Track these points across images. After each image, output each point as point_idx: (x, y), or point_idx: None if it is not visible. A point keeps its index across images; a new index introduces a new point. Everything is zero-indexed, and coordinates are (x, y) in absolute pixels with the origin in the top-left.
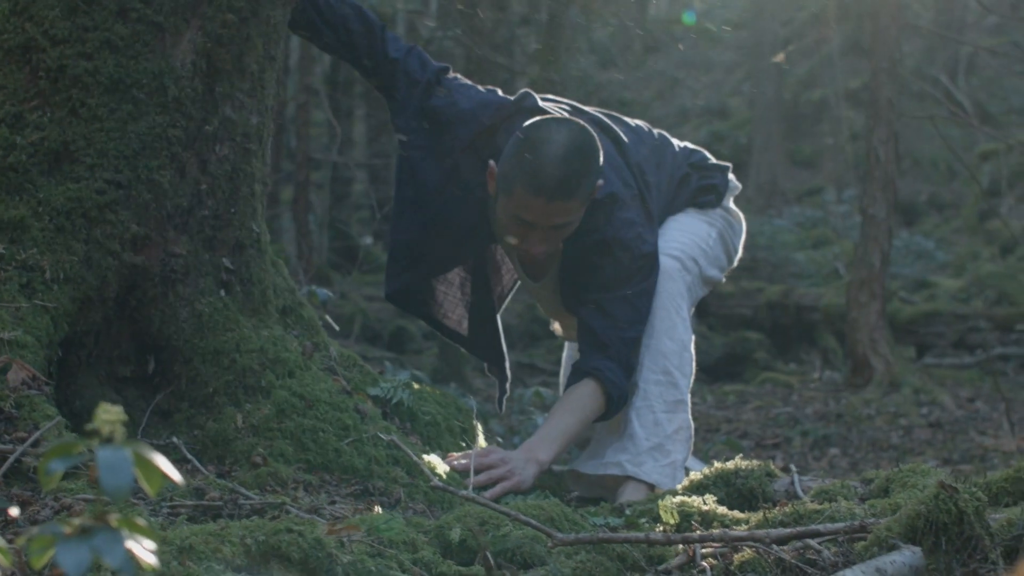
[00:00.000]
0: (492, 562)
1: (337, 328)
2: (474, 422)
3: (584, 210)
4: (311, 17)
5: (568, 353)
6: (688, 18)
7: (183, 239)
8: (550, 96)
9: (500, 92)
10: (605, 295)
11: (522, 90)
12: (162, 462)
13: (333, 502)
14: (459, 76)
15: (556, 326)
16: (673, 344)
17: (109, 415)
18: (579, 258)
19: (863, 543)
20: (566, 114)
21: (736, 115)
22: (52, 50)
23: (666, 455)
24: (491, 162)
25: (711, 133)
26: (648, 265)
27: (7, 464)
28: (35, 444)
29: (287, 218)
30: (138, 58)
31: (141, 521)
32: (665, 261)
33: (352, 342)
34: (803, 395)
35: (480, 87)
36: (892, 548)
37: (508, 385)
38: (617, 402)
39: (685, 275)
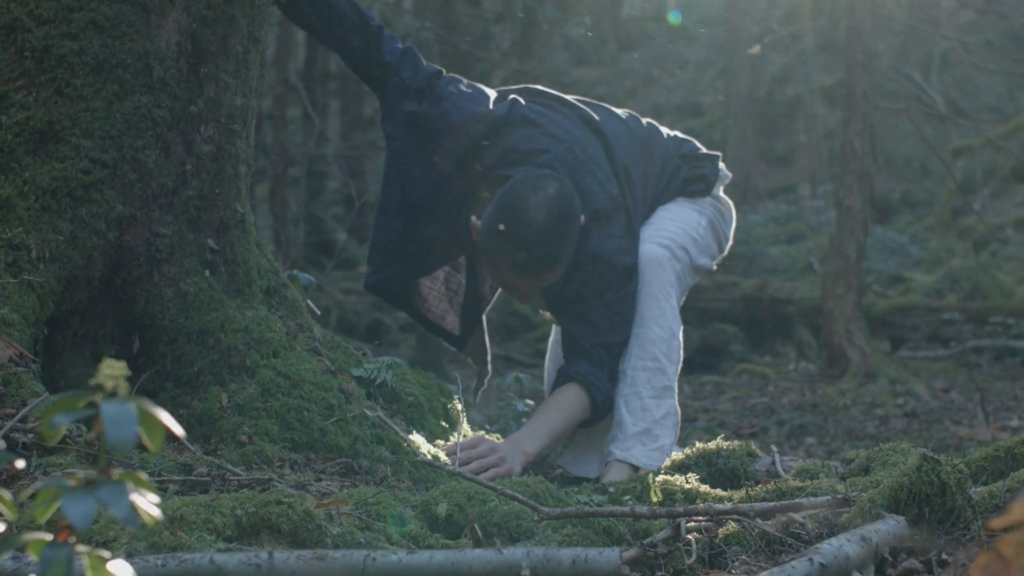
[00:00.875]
0: (480, 534)
1: (318, 312)
2: (457, 404)
3: None
4: (308, 16)
5: (555, 337)
6: (674, 17)
7: (168, 219)
8: (539, 89)
9: (492, 96)
10: (586, 304)
11: (511, 97)
12: (165, 416)
13: (319, 479)
14: (456, 78)
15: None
16: (661, 331)
17: (112, 370)
18: (562, 275)
19: (846, 515)
20: (555, 112)
21: (710, 113)
22: (37, 30)
23: (654, 439)
24: (472, 219)
25: (685, 130)
26: (627, 275)
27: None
28: (23, 420)
29: (263, 211)
30: (123, 38)
31: (143, 475)
32: (655, 250)
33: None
34: (779, 386)
35: (472, 89)
36: (876, 518)
37: (487, 380)
38: (602, 406)
39: (675, 264)
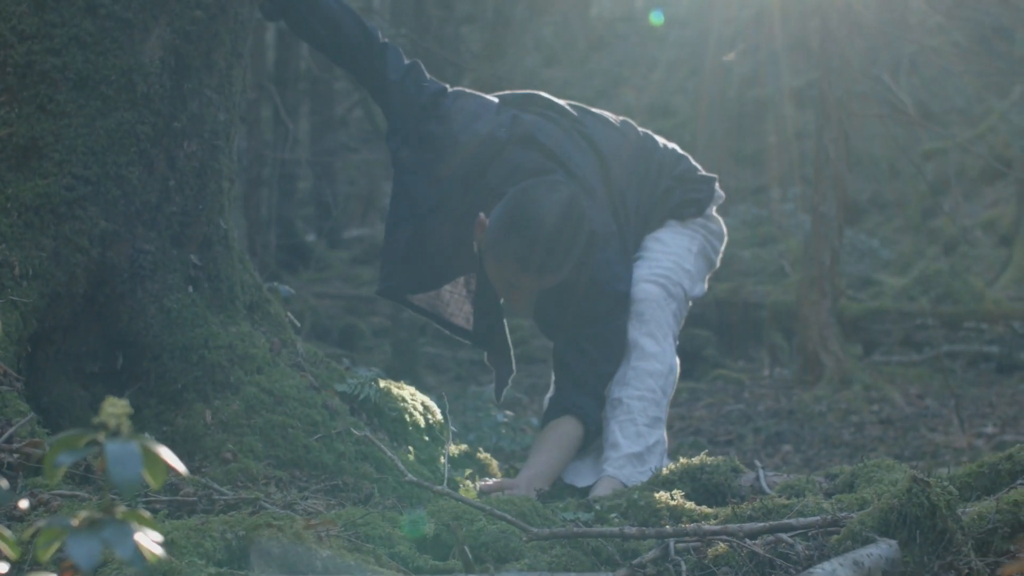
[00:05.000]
0: (470, 556)
1: (299, 325)
2: (442, 419)
3: None
4: (315, 32)
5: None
6: (655, 18)
7: (151, 235)
8: (541, 97)
9: (495, 108)
10: (580, 332)
11: (512, 113)
12: (167, 455)
13: (305, 498)
14: (460, 92)
15: None
16: (661, 367)
17: (115, 408)
18: (555, 292)
19: (836, 537)
20: (562, 125)
21: (680, 113)
22: (20, 46)
23: (643, 463)
24: (480, 215)
25: (655, 131)
26: (621, 303)
27: None
28: (9, 440)
29: (235, 215)
30: (107, 54)
31: (145, 513)
32: (652, 290)
33: (302, 339)
34: (754, 392)
35: (476, 104)
36: (867, 541)
37: (511, 378)
38: (593, 434)
39: (671, 302)
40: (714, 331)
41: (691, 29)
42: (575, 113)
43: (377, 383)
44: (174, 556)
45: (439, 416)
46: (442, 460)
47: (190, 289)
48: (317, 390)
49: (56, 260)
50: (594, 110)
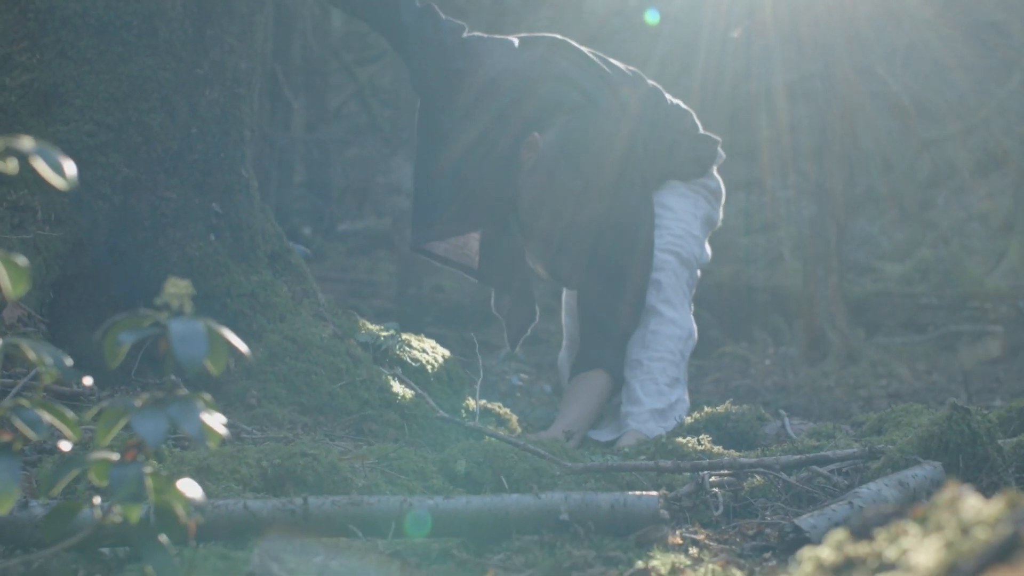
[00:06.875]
0: (507, 487)
1: (315, 285)
2: (462, 371)
3: None
4: None
5: (568, 303)
6: (651, 17)
7: (173, 183)
8: (562, 41)
9: (519, 47)
10: (607, 286)
11: (540, 51)
12: (230, 336)
13: (333, 439)
14: (479, 35)
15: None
16: (679, 331)
17: (177, 288)
18: (582, 237)
19: (876, 465)
20: (585, 69)
21: None
22: None
23: (665, 419)
24: (534, 134)
25: None
26: (646, 251)
27: (11, 395)
28: (34, 379)
29: None
30: (128, 0)
31: (207, 396)
32: (667, 258)
33: None
34: (760, 369)
35: (501, 44)
36: (912, 464)
37: (531, 326)
38: (619, 386)
39: (684, 271)
40: (715, 315)
41: (683, 24)
42: (595, 59)
43: (399, 334)
44: (210, 481)
45: (459, 369)
46: (469, 402)
47: (212, 237)
48: (340, 339)
49: (78, 206)
50: (609, 59)
